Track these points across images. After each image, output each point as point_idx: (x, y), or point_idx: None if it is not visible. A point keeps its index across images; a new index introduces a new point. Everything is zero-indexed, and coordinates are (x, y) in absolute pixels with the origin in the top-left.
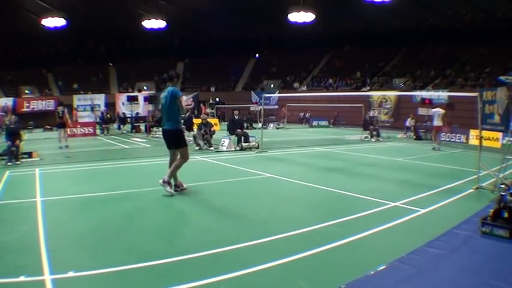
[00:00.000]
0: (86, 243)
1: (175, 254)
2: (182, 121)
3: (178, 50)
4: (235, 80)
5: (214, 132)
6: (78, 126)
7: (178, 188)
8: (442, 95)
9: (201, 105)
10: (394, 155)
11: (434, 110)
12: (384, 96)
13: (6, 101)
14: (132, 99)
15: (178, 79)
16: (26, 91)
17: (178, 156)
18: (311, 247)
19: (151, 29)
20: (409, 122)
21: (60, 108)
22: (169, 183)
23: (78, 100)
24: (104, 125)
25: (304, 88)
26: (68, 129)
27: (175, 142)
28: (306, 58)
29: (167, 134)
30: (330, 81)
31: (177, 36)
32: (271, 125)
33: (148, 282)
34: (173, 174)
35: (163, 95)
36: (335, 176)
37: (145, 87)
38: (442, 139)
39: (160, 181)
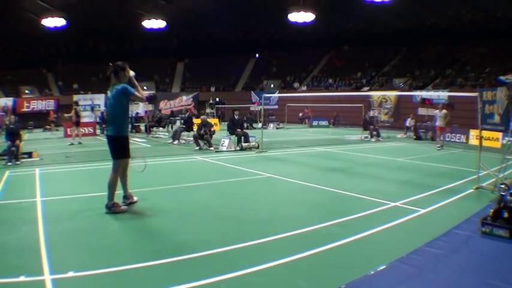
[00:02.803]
0: (86, 243)
1: (175, 254)
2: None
3: (178, 50)
4: (235, 80)
5: (214, 132)
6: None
7: (128, 200)
8: (442, 95)
9: (190, 106)
10: (394, 155)
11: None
12: (384, 96)
13: (6, 101)
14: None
15: (124, 71)
16: (26, 91)
17: (110, 172)
18: (311, 247)
19: (151, 29)
20: (409, 122)
21: (78, 108)
22: (113, 205)
23: (78, 100)
24: (104, 125)
25: (304, 88)
26: (69, 129)
27: (114, 151)
28: (306, 58)
29: (108, 139)
30: (330, 81)
31: (177, 36)
32: (271, 125)
33: (148, 282)
34: (113, 194)
35: (110, 94)
36: (335, 176)
37: (145, 87)
38: (442, 139)
39: (106, 210)
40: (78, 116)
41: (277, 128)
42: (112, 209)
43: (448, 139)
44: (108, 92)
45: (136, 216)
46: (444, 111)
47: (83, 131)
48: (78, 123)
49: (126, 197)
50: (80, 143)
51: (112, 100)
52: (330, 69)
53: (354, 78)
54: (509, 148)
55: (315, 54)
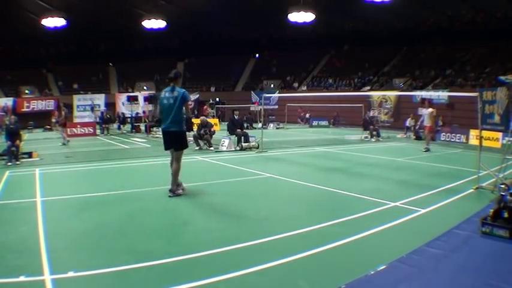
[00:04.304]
0: (86, 243)
1: (175, 254)
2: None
3: (178, 50)
4: (235, 80)
5: (214, 132)
6: (78, 126)
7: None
8: (442, 95)
9: (205, 106)
10: (394, 155)
11: (425, 110)
12: (384, 96)
13: (6, 101)
14: (132, 99)
15: (180, 78)
16: (26, 91)
17: (174, 162)
18: (311, 247)
19: (151, 29)
20: (409, 122)
21: (66, 110)
22: (178, 185)
23: (78, 100)
24: (103, 125)
25: (304, 88)
26: (68, 129)
27: (178, 143)
28: (306, 58)
29: (171, 135)
30: (330, 81)
31: (177, 36)
32: (271, 125)
33: (148, 282)
34: (177, 180)
35: (169, 94)
36: (335, 176)
37: (145, 87)
38: (442, 139)
39: (170, 194)
40: (65, 117)
41: (277, 128)
42: (176, 192)
43: (448, 139)
44: (166, 93)
45: (135, 217)
46: (430, 109)
47: (82, 131)
48: (65, 124)
49: (172, 189)
50: (64, 144)
51: (172, 101)
52: (330, 69)
53: (354, 78)
54: (509, 148)
55: (315, 54)
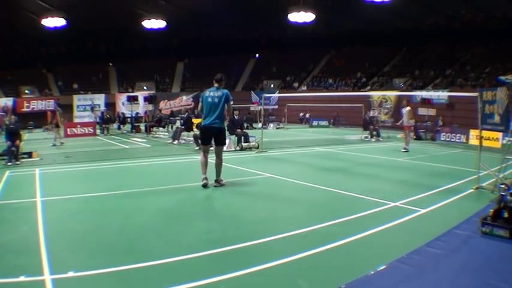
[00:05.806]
0: (86, 243)
1: (175, 254)
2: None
3: (178, 50)
4: (235, 80)
5: None
6: (78, 126)
7: (216, 182)
8: (442, 95)
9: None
10: (394, 155)
11: (404, 109)
12: (384, 96)
13: (6, 101)
14: (132, 99)
15: (224, 81)
16: (26, 91)
17: (216, 156)
18: (311, 247)
19: (151, 29)
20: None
21: (60, 110)
22: (221, 180)
23: (78, 100)
24: (103, 125)
25: (304, 88)
26: (68, 129)
27: (220, 139)
28: (306, 58)
29: (214, 131)
30: (330, 81)
31: (177, 36)
32: (271, 125)
33: (148, 282)
34: (221, 172)
35: (214, 94)
36: (335, 176)
37: (145, 87)
38: (442, 139)
39: (216, 183)
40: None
41: (277, 128)
42: (221, 182)
43: (448, 139)
44: (211, 92)
45: (135, 217)
46: (408, 108)
47: (82, 131)
48: (57, 125)
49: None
50: (54, 145)
51: (217, 100)
52: (330, 69)
53: (353, 78)
54: (509, 148)
55: (315, 54)
